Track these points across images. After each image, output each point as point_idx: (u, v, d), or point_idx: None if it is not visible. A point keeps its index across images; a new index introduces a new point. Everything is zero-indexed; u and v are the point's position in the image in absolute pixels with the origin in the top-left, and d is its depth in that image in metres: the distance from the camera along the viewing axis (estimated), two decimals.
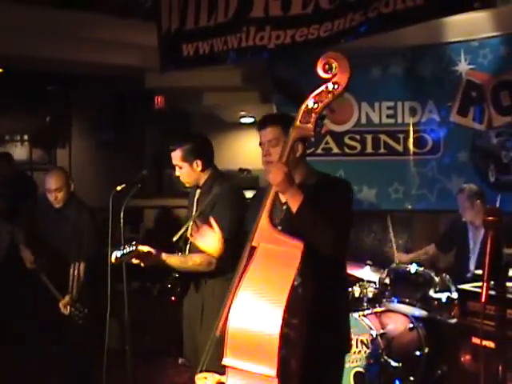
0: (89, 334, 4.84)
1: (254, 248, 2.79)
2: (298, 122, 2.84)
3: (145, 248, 3.68)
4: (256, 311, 2.61)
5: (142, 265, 3.76)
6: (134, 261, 3.71)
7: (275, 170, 2.84)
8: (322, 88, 2.80)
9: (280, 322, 2.53)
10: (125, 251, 3.61)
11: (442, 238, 6.13)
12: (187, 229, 3.92)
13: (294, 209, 2.88)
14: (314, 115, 2.80)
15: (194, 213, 4.06)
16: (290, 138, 2.87)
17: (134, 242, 3.66)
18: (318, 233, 2.85)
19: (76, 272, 4.79)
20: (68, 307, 4.80)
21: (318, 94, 2.81)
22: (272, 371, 2.55)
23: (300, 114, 2.83)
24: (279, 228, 2.95)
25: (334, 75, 2.76)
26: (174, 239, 3.98)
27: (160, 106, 8.79)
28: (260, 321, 2.58)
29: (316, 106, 2.80)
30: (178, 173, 4.04)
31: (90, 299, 4.87)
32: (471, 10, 4.93)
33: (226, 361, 2.66)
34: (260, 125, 3.22)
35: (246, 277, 2.70)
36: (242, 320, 2.63)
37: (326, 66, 2.77)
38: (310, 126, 2.80)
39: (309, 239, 2.78)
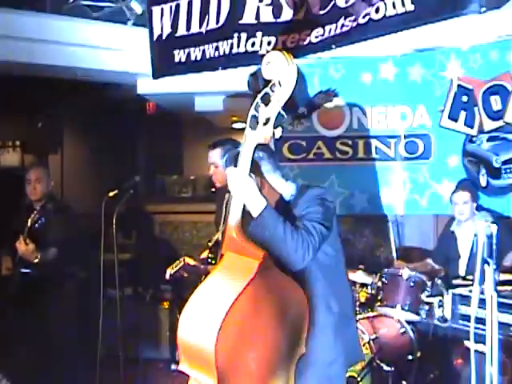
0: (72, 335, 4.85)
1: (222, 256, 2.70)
2: (247, 128, 2.72)
3: (191, 261, 3.77)
4: (199, 323, 2.52)
5: (186, 275, 3.86)
6: (184, 274, 3.83)
7: (232, 178, 2.72)
8: (266, 90, 2.63)
9: (214, 338, 2.40)
10: (177, 268, 3.72)
11: (436, 253, 6.16)
12: (223, 233, 3.97)
13: (255, 214, 2.72)
14: (261, 119, 2.65)
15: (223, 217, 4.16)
16: (244, 144, 2.74)
17: (183, 257, 3.77)
18: (282, 240, 2.65)
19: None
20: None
21: (261, 98, 2.65)
22: (212, 383, 2.46)
23: (248, 120, 2.69)
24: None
25: (276, 77, 2.57)
26: (210, 244, 4.10)
27: (152, 111, 8.79)
28: (201, 333, 2.48)
29: (263, 109, 2.64)
30: (211, 171, 4.14)
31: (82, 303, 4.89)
32: (462, 15, 4.95)
33: (180, 366, 2.62)
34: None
35: (201, 286, 2.62)
36: (187, 330, 2.56)
37: (267, 68, 2.58)
38: (265, 130, 2.66)
39: (273, 247, 2.66)
